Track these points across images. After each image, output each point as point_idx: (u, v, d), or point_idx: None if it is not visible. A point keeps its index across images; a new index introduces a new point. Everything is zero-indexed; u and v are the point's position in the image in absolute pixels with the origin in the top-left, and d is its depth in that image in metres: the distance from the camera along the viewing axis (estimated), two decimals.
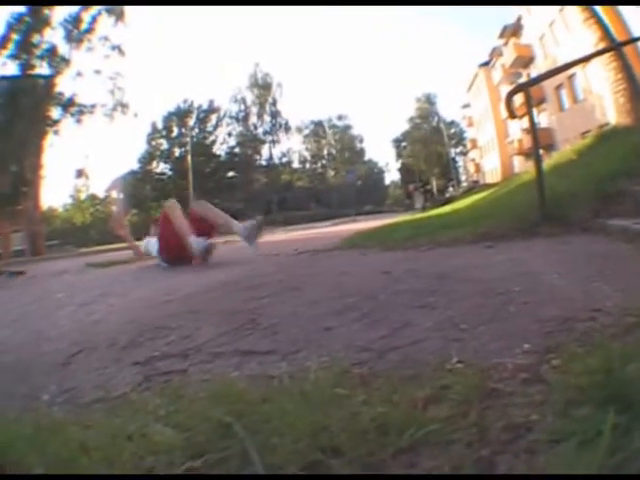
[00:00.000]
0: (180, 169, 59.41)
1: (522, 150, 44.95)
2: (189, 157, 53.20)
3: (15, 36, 32.39)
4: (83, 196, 68.27)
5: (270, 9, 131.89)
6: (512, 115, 5.17)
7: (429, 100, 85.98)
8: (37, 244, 35.67)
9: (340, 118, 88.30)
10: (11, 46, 32.65)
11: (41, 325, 3.12)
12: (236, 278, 3.98)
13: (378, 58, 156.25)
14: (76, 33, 35.01)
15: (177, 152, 65.09)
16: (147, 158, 66.71)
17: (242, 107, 71.87)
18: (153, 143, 67.45)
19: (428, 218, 8.38)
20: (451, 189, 68.49)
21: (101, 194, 65.76)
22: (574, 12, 12.68)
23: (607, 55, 10.09)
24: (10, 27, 32.21)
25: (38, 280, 8.19)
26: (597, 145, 8.64)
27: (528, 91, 5.06)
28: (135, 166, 66.13)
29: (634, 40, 10.11)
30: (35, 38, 33.32)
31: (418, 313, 1.97)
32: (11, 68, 33.50)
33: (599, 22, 11.23)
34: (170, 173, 65.36)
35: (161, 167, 67.51)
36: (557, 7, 30.86)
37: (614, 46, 8.65)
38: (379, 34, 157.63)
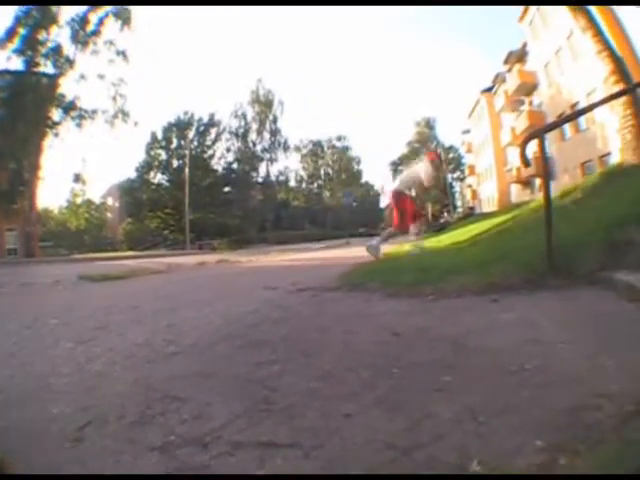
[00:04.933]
0: (177, 181, 60.00)
1: (520, 178, 45.38)
2: (187, 169, 53.59)
3: (22, 30, 32.82)
4: (79, 200, 68.45)
5: (275, 26, 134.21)
6: (526, 164, 4.98)
7: (429, 124, 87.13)
8: (31, 245, 35.60)
9: (340, 139, 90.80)
10: (17, 40, 33.01)
11: (40, 368, 2.98)
12: (239, 325, 3.82)
13: (381, 80, 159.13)
14: (82, 34, 35.16)
15: (175, 163, 65.66)
16: (145, 167, 67.18)
17: (242, 123, 72.29)
18: (152, 153, 67.91)
19: (428, 256, 8.10)
20: (446, 214, 69.44)
21: (96, 200, 66.06)
22: (585, 42, 12.06)
23: (617, 88, 9.65)
24: (18, 20, 32.55)
25: (31, 292, 8.43)
26: (603, 185, 8.59)
27: (543, 137, 4.83)
28: (132, 175, 67.36)
29: None
30: (41, 35, 33.58)
31: (436, 399, 1.94)
32: (16, 64, 33.85)
33: (612, 55, 10.85)
34: (167, 184, 65.72)
35: (158, 177, 68.02)
36: (565, 35, 30.88)
37: (633, 86, 8.25)
38: (383, 55, 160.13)
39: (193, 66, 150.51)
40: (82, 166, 74.84)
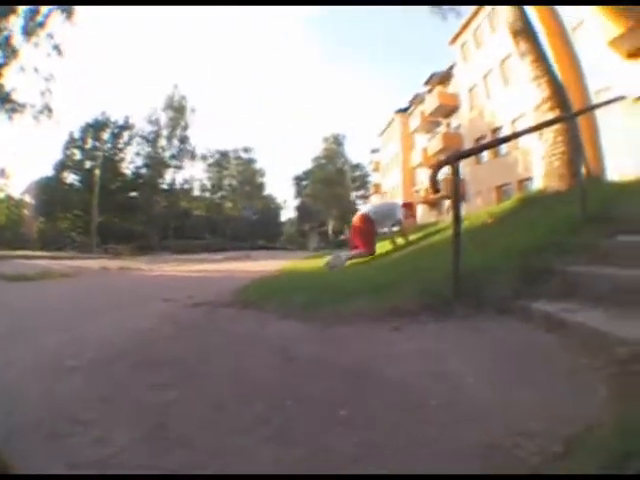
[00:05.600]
0: (87, 182, 57.31)
1: (427, 199, 45.91)
2: (97, 172, 52.13)
3: None
4: (2, 195, 65.56)
5: (188, 34, 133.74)
6: (436, 190, 4.83)
7: (337, 141, 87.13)
8: None
9: (246, 150, 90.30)
10: None
11: None
12: (135, 343, 3.69)
13: (292, 94, 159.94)
14: (31, 25, 34.34)
15: (88, 165, 62.92)
16: (60, 167, 64.58)
17: (155, 128, 70.97)
18: (68, 152, 65.23)
19: (327, 275, 7.87)
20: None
21: (17, 196, 63.54)
22: (521, 67, 11.68)
23: (551, 115, 9.65)
24: None
25: None
26: (521, 210, 8.32)
27: (456, 165, 4.47)
28: (50, 173, 64.48)
29: (592, 108, 9.87)
30: (2, 24, 32.64)
31: (333, 434, 1.89)
32: None
33: (552, 81, 10.43)
34: (79, 185, 63.21)
35: (71, 178, 65.35)
36: (499, 58, 31.49)
37: (571, 115, 8.02)
38: (296, 70, 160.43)
39: (113, 68, 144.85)
40: (7, 160, 71.91)
